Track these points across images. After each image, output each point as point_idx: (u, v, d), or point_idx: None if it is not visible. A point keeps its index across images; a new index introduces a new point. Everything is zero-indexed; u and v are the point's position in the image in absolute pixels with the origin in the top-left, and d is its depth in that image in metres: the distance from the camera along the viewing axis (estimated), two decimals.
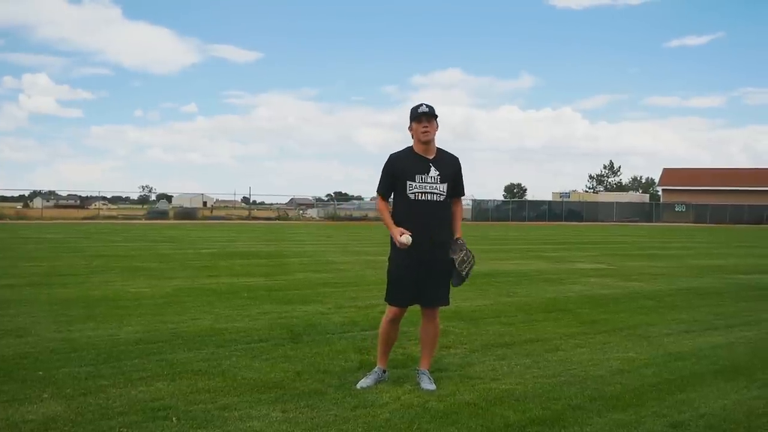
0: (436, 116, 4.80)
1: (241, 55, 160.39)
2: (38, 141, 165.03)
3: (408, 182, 4.78)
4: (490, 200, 65.50)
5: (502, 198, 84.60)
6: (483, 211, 60.95)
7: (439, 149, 4.93)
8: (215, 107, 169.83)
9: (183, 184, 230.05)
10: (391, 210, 4.93)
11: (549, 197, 76.28)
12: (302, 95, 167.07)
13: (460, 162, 5.01)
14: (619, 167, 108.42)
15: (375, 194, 5.07)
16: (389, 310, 4.94)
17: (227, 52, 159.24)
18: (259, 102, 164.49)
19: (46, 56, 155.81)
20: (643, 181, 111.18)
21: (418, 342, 5.31)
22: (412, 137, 4.89)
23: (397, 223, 4.81)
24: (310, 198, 73.65)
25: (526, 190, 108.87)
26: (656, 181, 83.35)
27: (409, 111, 4.84)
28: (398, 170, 4.83)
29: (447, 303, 5.00)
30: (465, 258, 4.86)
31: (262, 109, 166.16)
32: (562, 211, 64.23)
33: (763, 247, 25.03)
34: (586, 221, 60.28)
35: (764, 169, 74.48)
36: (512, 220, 58.88)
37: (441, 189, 4.82)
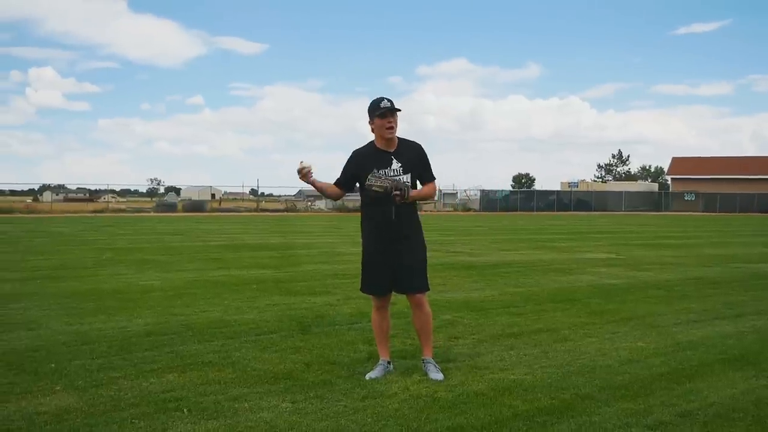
0: (399, 110, 4.82)
1: (247, 47, 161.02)
2: (46, 135, 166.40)
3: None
4: (498, 190, 65.29)
5: (510, 188, 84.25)
6: (491, 201, 60.79)
7: (400, 139, 4.96)
8: (221, 99, 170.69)
9: (191, 177, 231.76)
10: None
11: (557, 187, 76.02)
12: (308, 87, 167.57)
13: (423, 148, 5.03)
14: (628, 156, 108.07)
15: None
16: (372, 300, 5.05)
17: (233, 44, 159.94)
18: (266, 94, 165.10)
19: (52, 50, 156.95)
20: (652, 170, 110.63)
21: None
22: (373, 131, 4.90)
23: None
24: None
25: (534, 180, 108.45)
26: (665, 170, 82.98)
27: (369, 106, 4.83)
28: (360, 166, 4.87)
29: (424, 289, 5.00)
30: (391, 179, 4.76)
31: (269, 101, 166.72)
32: (571, 200, 63.93)
33: None
34: (595, 211, 60.06)
35: None
36: (521, 211, 58.72)
37: (404, 180, 4.84)
